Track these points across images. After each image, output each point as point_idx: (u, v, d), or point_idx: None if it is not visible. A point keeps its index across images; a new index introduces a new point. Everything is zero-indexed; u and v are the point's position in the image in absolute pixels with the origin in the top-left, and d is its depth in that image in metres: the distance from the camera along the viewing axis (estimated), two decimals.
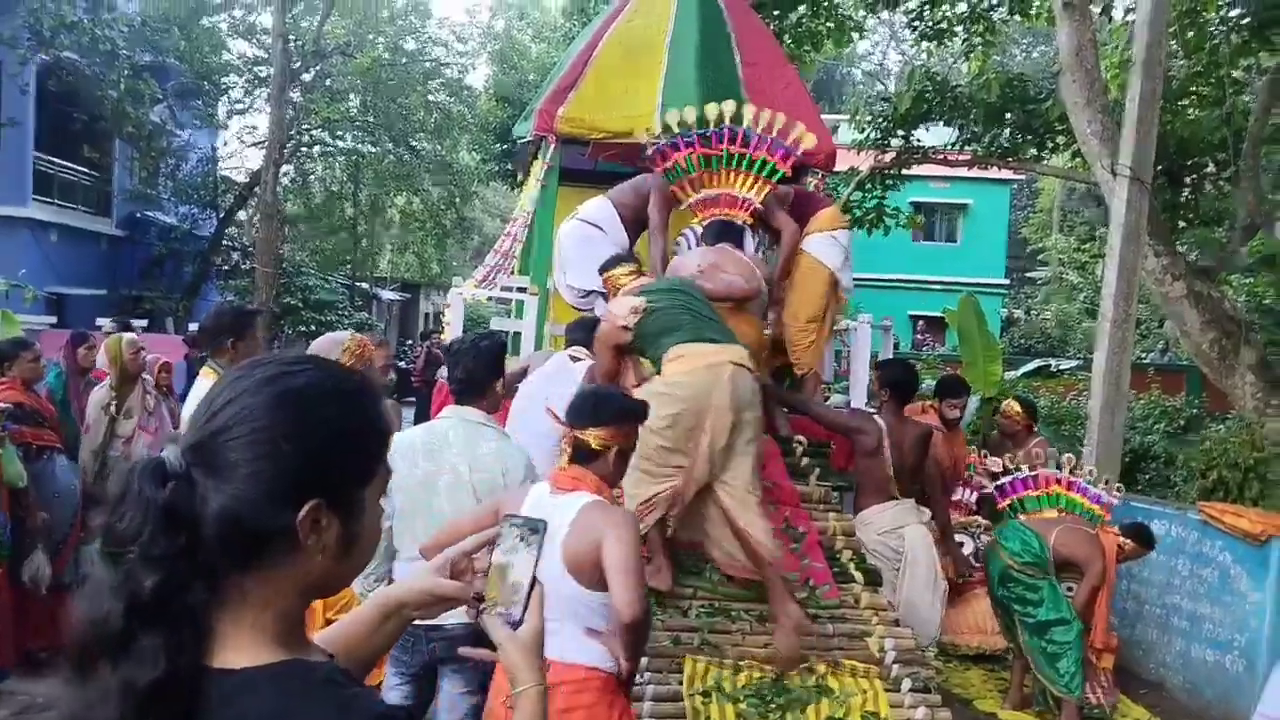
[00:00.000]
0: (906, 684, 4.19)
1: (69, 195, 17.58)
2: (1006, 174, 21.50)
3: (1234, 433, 8.31)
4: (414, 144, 22.87)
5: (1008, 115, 10.83)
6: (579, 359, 4.85)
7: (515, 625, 1.29)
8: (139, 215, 19.27)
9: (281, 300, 17.86)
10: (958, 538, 6.18)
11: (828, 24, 12.83)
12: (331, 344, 3.81)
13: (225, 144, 22.36)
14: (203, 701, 0.96)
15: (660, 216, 5.63)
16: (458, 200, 25.00)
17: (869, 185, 12.70)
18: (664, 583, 4.28)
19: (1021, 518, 5.67)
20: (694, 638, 4.15)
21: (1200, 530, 6.10)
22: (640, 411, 3.10)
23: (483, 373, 3.42)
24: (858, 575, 4.83)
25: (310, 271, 21.94)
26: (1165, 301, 8.13)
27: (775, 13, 11.91)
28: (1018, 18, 12.35)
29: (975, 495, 6.83)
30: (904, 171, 12.72)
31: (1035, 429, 7.02)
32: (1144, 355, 17.36)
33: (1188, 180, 10.62)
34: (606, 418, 2.89)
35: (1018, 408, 6.89)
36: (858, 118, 11.95)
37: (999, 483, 5.92)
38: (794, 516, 5.00)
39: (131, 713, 0.92)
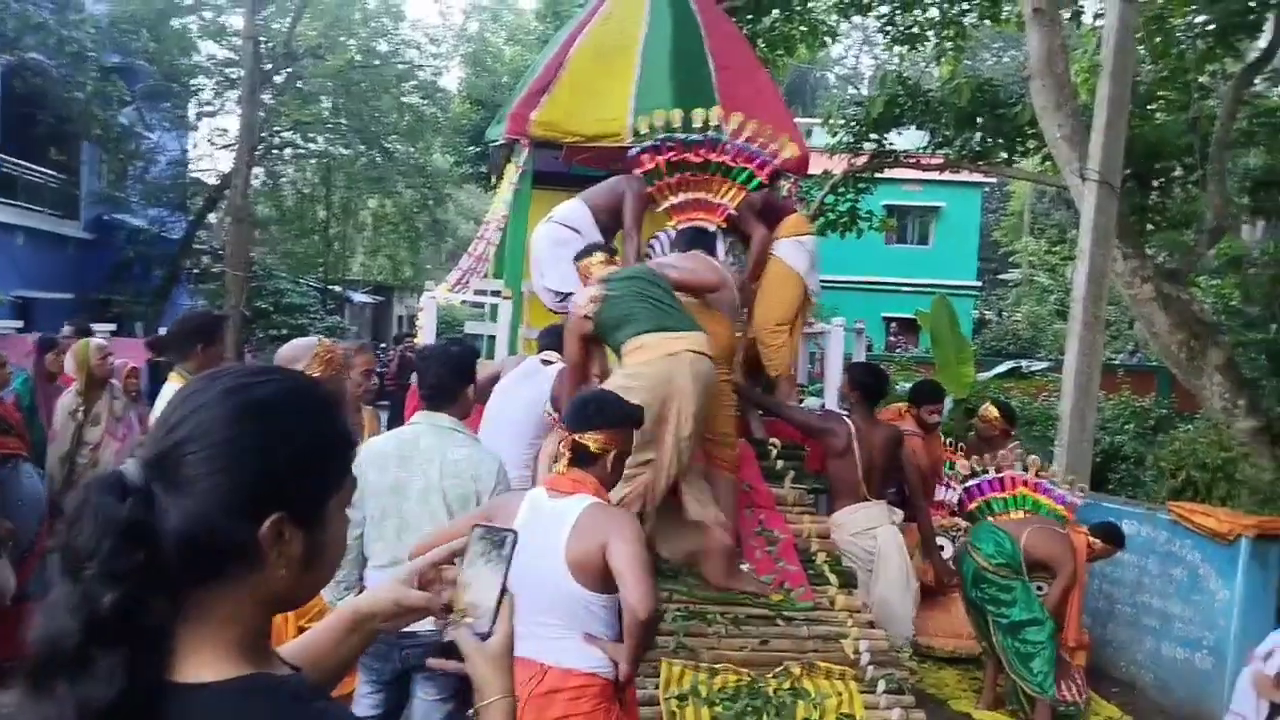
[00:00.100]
0: (881, 685, 4.21)
1: (35, 198, 17.32)
2: (978, 177, 21.70)
3: (1202, 433, 8.42)
4: (387, 146, 22.76)
5: (979, 119, 10.93)
6: (550, 362, 4.86)
7: (484, 636, 1.27)
8: (107, 218, 19.02)
9: (252, 304, 17.70)
10: (939, 541, 6.20)
11: (800, 28, 12.90)
12: (302, 350, 3.77)
13: (195, 146, 22.17)
14: (164, 717, 0.94)
15: (634, 218, 5.67)
16: (431, 203, 24.91)
17: (842, 188, 12.78)
18: None
19: (990, 519, 5.71)
20: (669, 641, 4.15)
21: (1170, 530, 6.16)
22: (638, 416, 3.12)
23: (453, 379, 3.40)
24: (832, 578, 4.85)
25: (282, 275, 21.77)
26: (1134, 303, 8.22)
27: (749, 17, 11.95)
28: (988, 23, 12.47)
29: (956, 495, 6.86)
30: (876, 175, 12.82)
31: (1013, 434, 7.03)
32: (1114, 356, 17.55)
33: (1156, 184, 10.75)
34: (605, 421, 2.91)
35: (996, 413, 6.90)
36: (831, 122, 12.03)
37: (966, 485, 5.96)
38: (769, 520, 5.02)
39: None
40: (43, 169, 17.32)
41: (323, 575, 1.12)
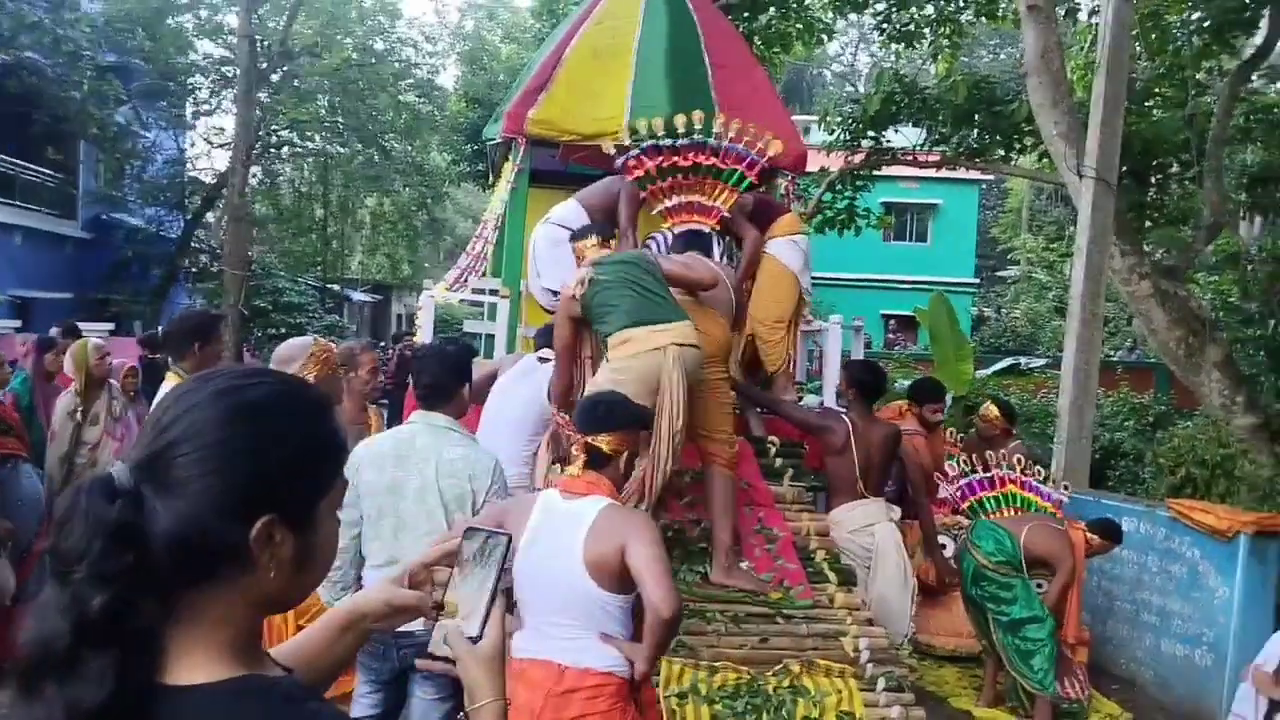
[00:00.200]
0: (881, 683, 4.21)
1: (33, 197, 17.30)
2: (975, 174, 21.70)
3: (1201, 430, 8.43)
4: (384, 145, 22.74)
5: (975, 117, 10.93)
6: (548, 360, 4.86)
7: (475, 639, 1.27)
8: (105, 217, 18.99)
9: (251, 303, 17.65)
10: (940, 539, 6.21)
11: (797, 26, 12.90)
12: (298, 349, 3.76)
13: (192, 145, 22.11)
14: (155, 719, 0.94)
15: (628, 218, 5.70)
16: (429, 201, 24.90)
17: (840, 186, 12.77)
18: None
19: (986, 518, 5.71)
20: None
21: (1169, 527, 6.16)
22: (648, 417, 3.18)
23: (449, 378, 3.40)
24: (832, 575, 4.85)
25: (280, 274, 21.74)
26: (1132, 300, 8.22)
27: (745, 15, 11.95)
28: (985, 20, 12.46)
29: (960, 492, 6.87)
30: (874, 172, 12.81)
31: (1014, 432, 7.02)
32: (1113, 353, 17.57)
33: (1153, 180, 10.76)
34: (616, 424, 2.95)
35: (996, 411, 6.88)
36: (828, 119, 12.01)
37: (957, 485, 5.96)
38: (768, 517, 5.02)
39: None
40: (40, 168, 17.29)
41: (314, 577, 1.12)
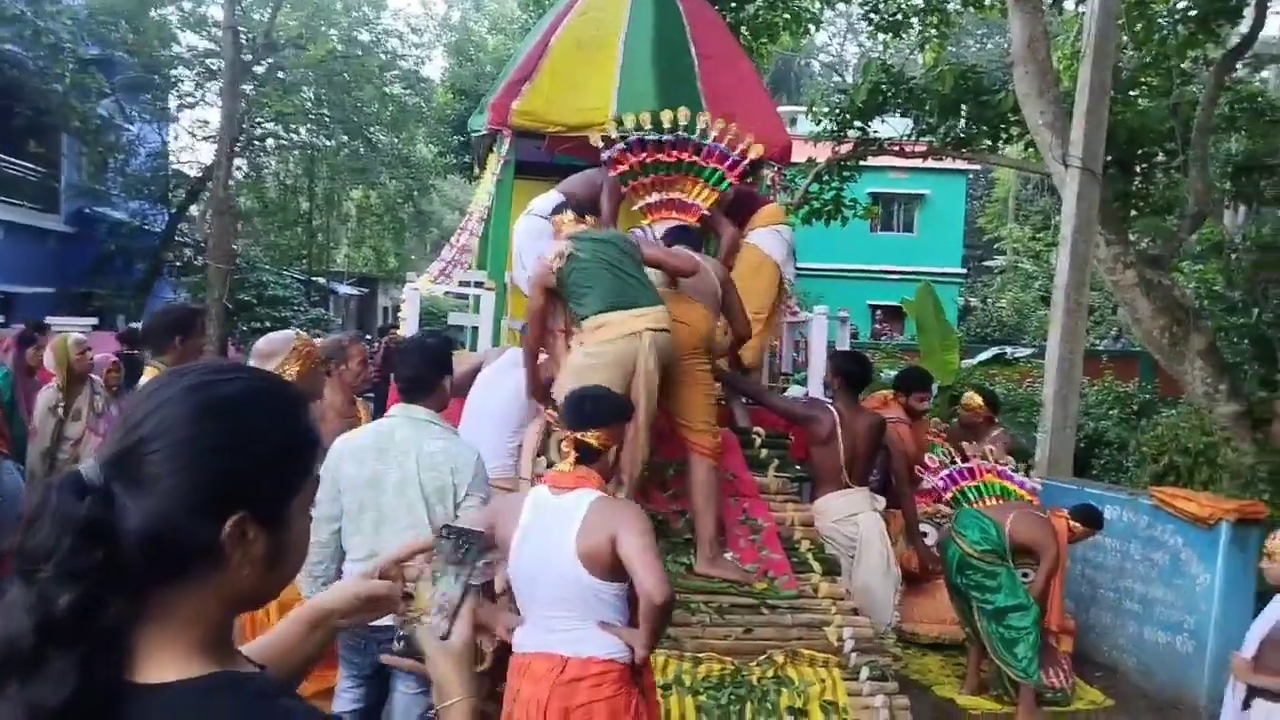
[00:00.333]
0: (865, 672, 4.22)
1: (15, 191, 17.16)
2: (963, 164, 21.75)
3: (1184, 418, 8.47)
4: (370, 137, 22.64)
5: (962, 106, 10.92)
6: None
7: (445, 637, 1.26)
8: (88, 211, 18.85)
9: (235, 297, 17.58)
10: (922, 528, 6.24)
11: (784, 16, 12.87)
12: (279, 344, 3.74)
13: (176, 138, 21.99)
14: (123, 718, 0.93)
15: (611, 210, 5.76)
16: (415, 193, 24.81)
17: (827, 176, 12.77)
18: None
19: (969, 507, 5.73)
20: None
21: (1152, 515, 6.20)
22: (630, 409, 3.26)
23: (429, 370, 3.39)
24: (816, 565, 4.86)
25: (265, 267, 21.64)
26: (1117, 289, 8.26)
27: (732, 5, 11.92)
28: (971, 9, 12.46)
29: (944, 482, 6.91)
30: (861, 162, 12.81)
31: (996, 420, 7.06)
32: (1097, 342, 17.65)
33: (1138, 169, 10.78)
34: (603, 419, 3.00)
35: (979, 400, 6.92)
36: (815, 110, 12.00)
37: (940, 476, 5.98)
38: (753, 508, 5.02)
39: None
40: (22, 162, 17.16)
41: (286, 574, 1.11)
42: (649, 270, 4.73)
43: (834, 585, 4.76)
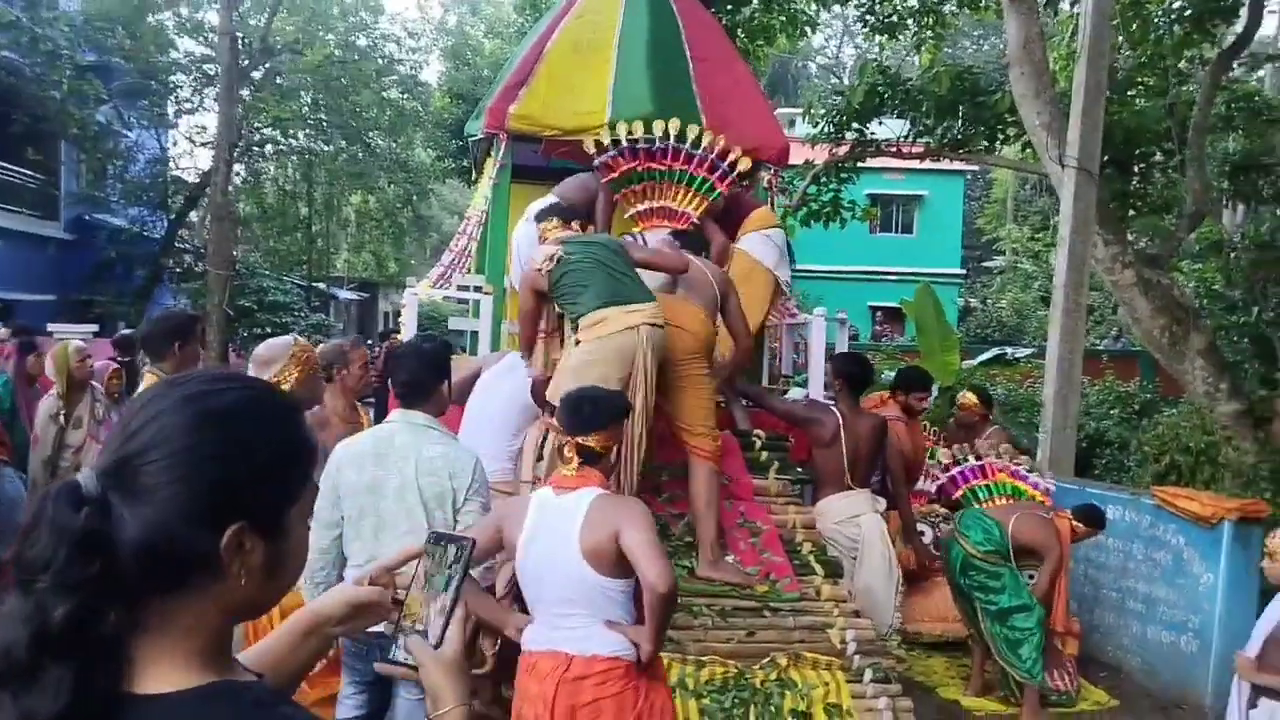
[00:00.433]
0: (868, 674, 4.21)
1: (14, 199, 17.16)
2: (961, 165, 21.74)
3: (1186, 417, 8.47)
4: (368, 141, 22.64)
5: (959, 108, 10.92)
6: None
7: (436, 645, 1.26)
8: (87, 218, 18.86)
9: (235, 303, 17.56)
10: (918, 527, 6.26)
11: (780, 18, 12.86)
12: (278, 350, 3.74)
13: (175, 144, 21.98)
14: None
15: (604, 222, 5.84)
16: (414, 198, 24.83)
17: (824, 178, 12.76)
18: None
19: (977, 506, 5.73)
20: None
21: (1154, 514, 6.19)
22: (628, 407, 3.30)
23: (426, 375, 3.38)
24: (818, 567, 4.85)
25: (265, 273, 21.64)
26: (1116, 289, 8.25)
27: (728, 7, 11.92)
28: (967, 11, 12.46)
29: (935, 485, 6.91)
30: (859, 164, 12.81)
31: (990, 418, 7.11)
32: (1098, 342, 17.64)
33: (1136, 169, 10.79)
34: (603, 422, 3.03)
35: (974, 398, 6.99)
36: (812, 112, 11.99)
37: (950, 474, 5.98)
38: (750, 511, 5.02)
39: None
40: (20, 169, 17.16)
41: (285, 583, 1.11)
42: (648, 275, 4.76)
43: (836, 587, 4.75)
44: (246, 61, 18.68)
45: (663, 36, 6.50)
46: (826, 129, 11.83)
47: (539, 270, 4.51)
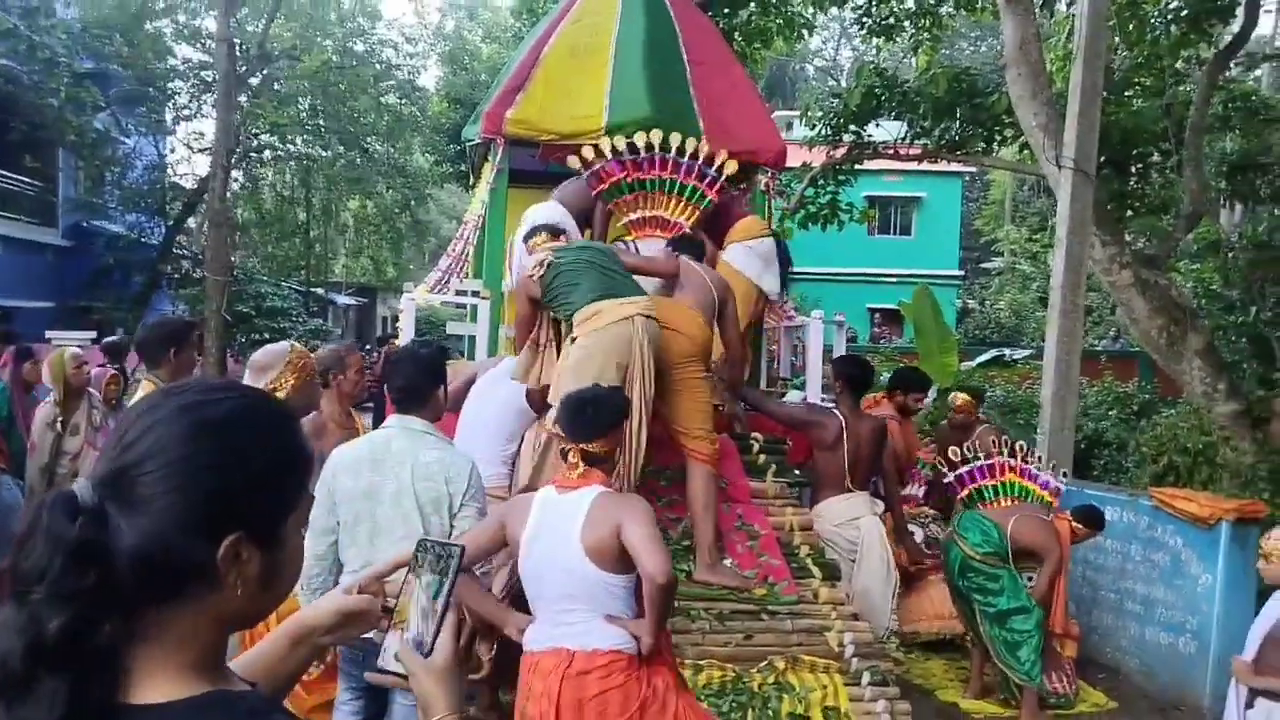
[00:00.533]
0: (866, 677, 4.22)
1: (12, 206, 17.18)
2: (958, 166, 21.75)
3: (1184, 418, 8.47)
4: (366, 147, 22.65)
5: (956, 109, 10.93)
6: None
7: (427, 653, 1.26)
8: (85, 225, 18.88)
9: (233, 308, 17.57)
10: (909, 527, 6.29)
11: (777, 21, 12.87)
12: (275, 356, 3.73)
13: (172, 150, 21.99)
14: None
15: (603, 224, 5.94)
16: (412, 203, 24.82)
17: (822, 181, 12.77)
18: None
19: (980, 508, 5.72)
20: None
21: (1152, 515, 6.19)
22: (627, 408, 3.36)
23: (423, 380, 3.38)
24: (816, 570, 4.85)
25: (263, 278, 21.64)
26: (1114, 290, 8.25)
27: (725, 11, 11.92)
28: (964, 12, 12.47)
29: (923, 489, 6.96)
30: (857, 166, 12.81)
31: (981, 415, 7.18)
32: (1096, 342, 17.64)
33: (1133, 169, 10.79)
34: (605, 427, 3.09)
35: (965, 397, 7.10)
36: (809, 114, 12.00)
37: (958, 472, 5.97)
38: (747, 514, 5.02)
39: None
40: (19, 176, 17.17)
41: (280, 593, 1.11)
42: (646, 280, 4.79)
43: (834, 590, 4.76)
44: (244, 68, 18.68)
45: (660, 40, 6.51)
46: (824, 131, 11.84)
47: (531, 276, 4.58)
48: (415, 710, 3.35)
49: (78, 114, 16.42)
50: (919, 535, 6.26)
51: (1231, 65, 10.08)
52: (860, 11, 12.47)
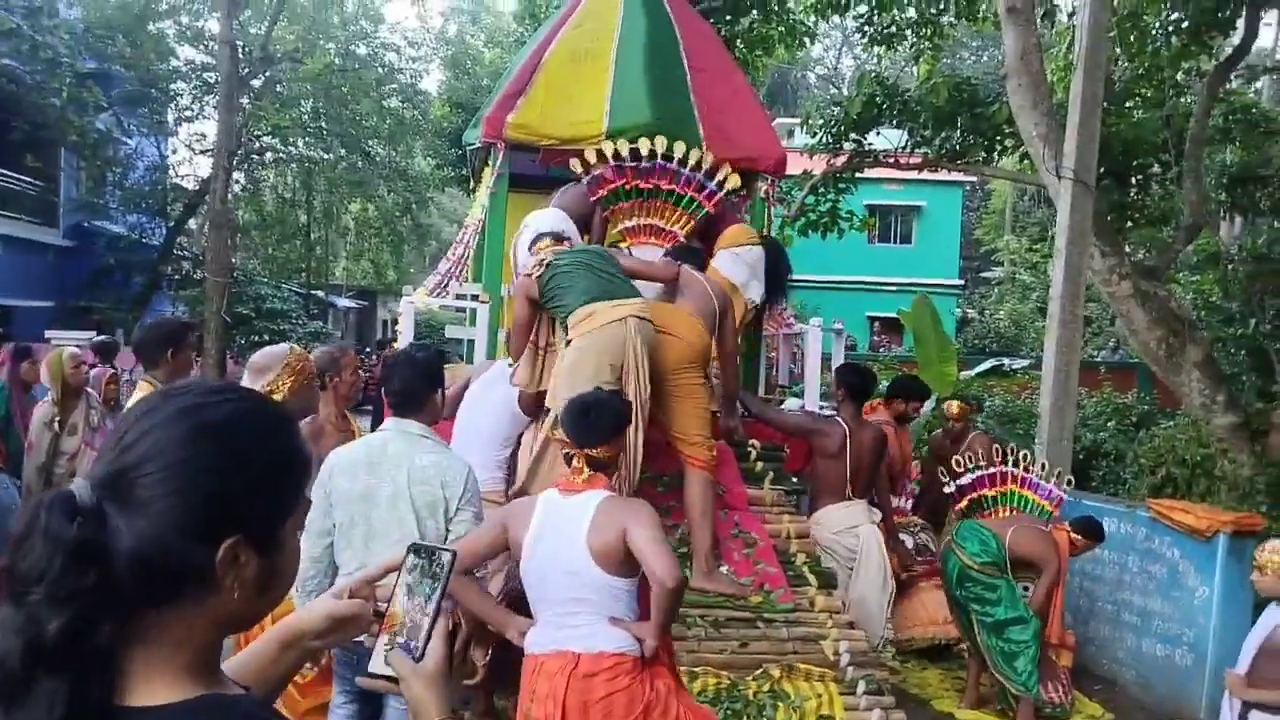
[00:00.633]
0: (861, 686, 4.21)
1: (13, 205, 17.21)
2: (959, 176, 21.75)
3: (1182, 429, 8.46)
4: (368, 150, 22.68)
5: (957, 119, 10.93)
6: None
7: (418, 658, 1.25)
8: (86, 225, 18.91)
9: (234, 310, 17.58)
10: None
11: (779, 29, 12.88)
12: (273, 359, 3.73)
13: (174, 151, 22.02)
14: None
15: (600, 230, 5.95)
16: (413, 206, 24.85)
17: (822, 189, 12.77)
18: None
19: (978, 518, 5.72)
20: None
21: (1149, 527, 6.18)
22: (629, 414, 3.40)
23: (420, 384, 3.37)
24: (812, 579, 4.85)
25: (263, 280, 21.65)
26: (1113, 301, 8.24)
27: (727, 18, 11.94)
28: (965, 22, 12.48)
29: (910, 502, 6.99)
30: (858, 174, 12.81)
31: (971, 418, 7.22)
32: (1095, 353, 17.64)
33: (1133, 181, 10.79)
34: (609, 434, 3.12)
35: (959, 406, 7.16)
36: (810, 122, 12.01)
37: (960, 482, 5.96)
38: (744, 521, 5.02)
39: None
40: (20, 176, 17.19)
41: (277, 596, 1.11)
42: (647, 285, 4.80)
43: (830, 599, 4.75)
44: (246, 70, 18.72)
45: (661, 46, 6.52)
46: (825, 139, 11.84)
47: (529, 275, 4.65)
48: (409, 713, 3.35)
49: (80, 114, 16.46)
50: (909, 543, 6.27)
51: (1232, 77, 10.09)
52: (862, 20, 12.49)
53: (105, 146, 18.06)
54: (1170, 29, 9.51)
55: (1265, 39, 19.00)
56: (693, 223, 6.00)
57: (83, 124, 16.62)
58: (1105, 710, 5.91)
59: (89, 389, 6.19)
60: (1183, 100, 10.12)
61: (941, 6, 12.02)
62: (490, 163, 6.43)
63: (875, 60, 15.33)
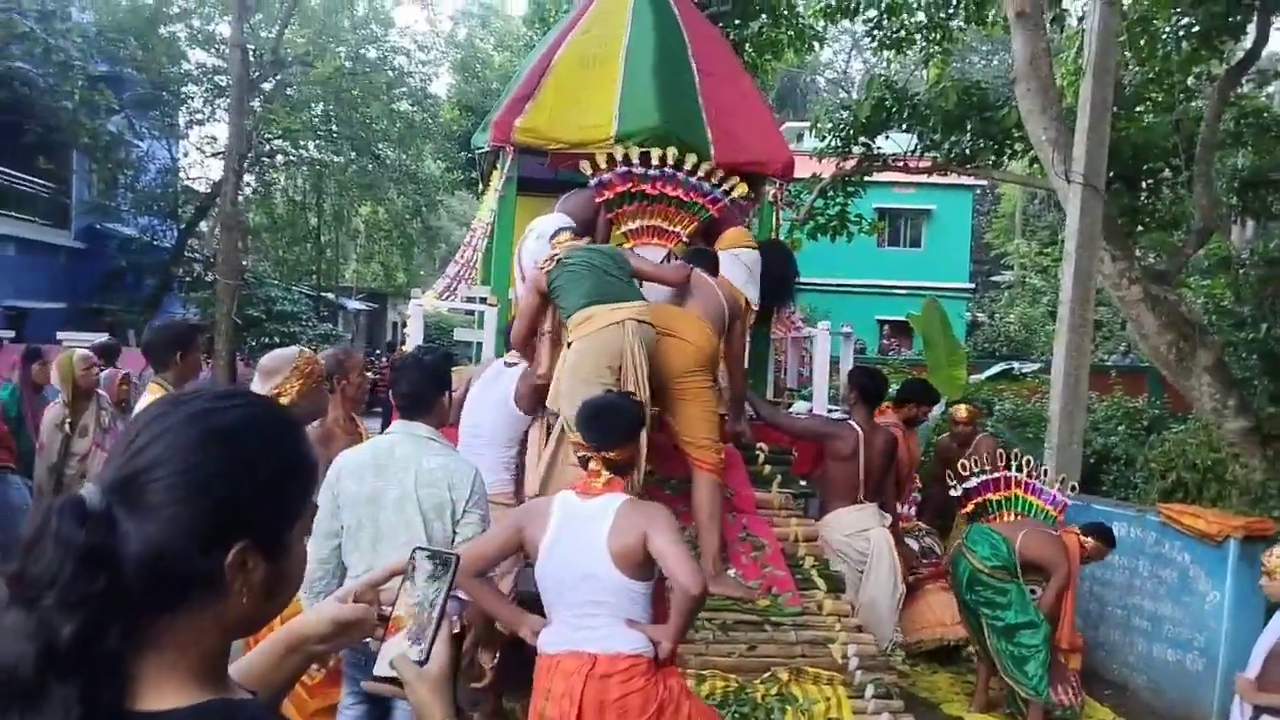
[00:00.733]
0: (869, 690, 4.20)
1: (26, 208, 17.30)
2: (969, 180, 21.72)
3: (1193, 434, 8.42)
4: (378, 153, 22.73)
5: (966, 123, 10.92)
6: (513, 364, 4.93)
7: (422, 662, 1.25)
8: (98, 227, 18.99)
9: (244, 312, 17.63)
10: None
11: (788, 33, 12.88)
12: (282, 361, 3.74)
13: (185, 154, 22.11)
14: None
15: (604, 233, 6.00)
16: (423, 209, 24.90)
17: (831, 192, 12.76)
18: None
19: (986, 522, 5.70)
20: None
21: (1159, 531, 6.16)
22: (644, 416, 3.41)
23: (427, 386, 3.38)
24: (820, 582, 4.84)
25: (273, 282, 21.71)
26: (1123, 305, 8.22)
27: (736, 22, 11.95)
28: (975, 26, 12.46)
29: (912, 509, 6.98)
30: (867, 178, 12.81)
31: (977, 422, 7.23)
32: (1106, 357, 17.58)
33: (1144, 185, 10.75)
34: (625, 436, 3.13)
35: (965, 410, 7.19)
36: (819, 126, 12.01)
37: (966, 486, 5.95)
38: (752, 524, 5.02)
39: None
40: (32, 179, 17.28)
41: (284, 601, 1.12)
42: (656, 288, 4.81)
43: (838, 602, 4.75)
44: (257, 73, 18.77)
45: (669, 50, 6.52)
46: (834, 143, 11.83)
47: (541, 269, 4.71)
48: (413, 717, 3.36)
49: (92, 117, 16.52)
50: (914, 546, 6.27)
51: (1243, 82, 10.05)
52: (871, 24, 12.47)
53: (117, 149, 18.13)
54: (1180, 33, 9.48)
55: (1276, 44, 18.94)
56: (695, 223, 6.03)
57: (94, 127, 16.68)
58: (1116, 715, 5.89)
59: (100, 390, 6.22)
60: (1193, 105, 10.09)
61: (951, 11, 12.01)
62: (499, 166, 6.44)
63: (885, 64, 15.33)
